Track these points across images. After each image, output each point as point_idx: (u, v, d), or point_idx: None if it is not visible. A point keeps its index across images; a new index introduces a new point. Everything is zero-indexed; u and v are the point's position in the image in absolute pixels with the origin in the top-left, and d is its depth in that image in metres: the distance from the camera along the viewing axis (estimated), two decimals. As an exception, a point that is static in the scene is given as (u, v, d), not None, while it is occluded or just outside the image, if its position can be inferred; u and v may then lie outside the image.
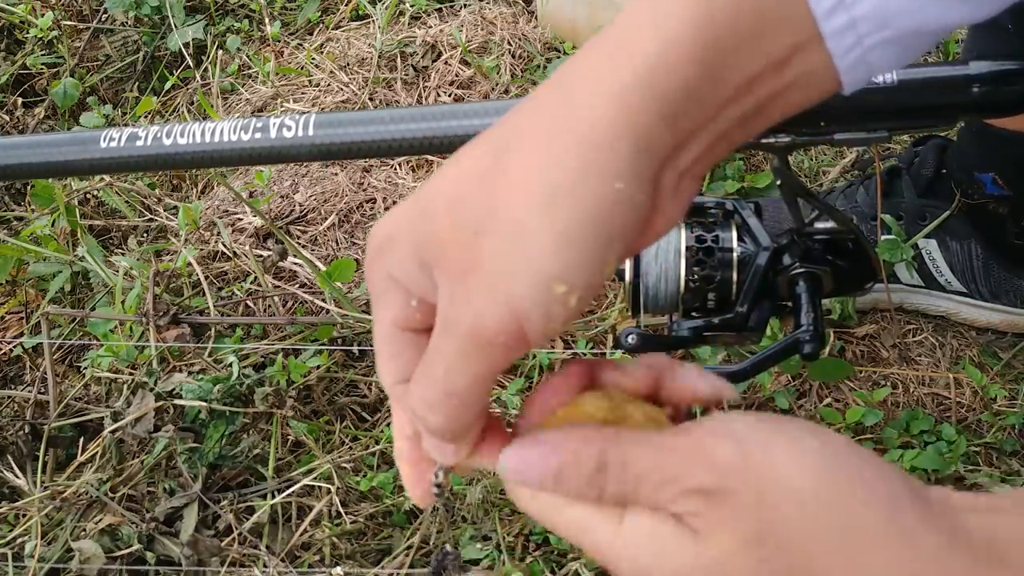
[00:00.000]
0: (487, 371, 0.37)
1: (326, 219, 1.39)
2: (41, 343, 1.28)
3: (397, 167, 1.45)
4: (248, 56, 1.67)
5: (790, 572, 0.36)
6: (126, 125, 1.62)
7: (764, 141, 0.63)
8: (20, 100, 1.70)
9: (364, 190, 1.41)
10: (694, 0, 0.36)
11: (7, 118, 1.68)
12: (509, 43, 1.57)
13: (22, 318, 1.38)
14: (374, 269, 0.41)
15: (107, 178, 1.46)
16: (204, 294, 1.28)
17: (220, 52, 1.67)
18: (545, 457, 0.39)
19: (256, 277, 1.31)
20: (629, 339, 0.65)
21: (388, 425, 1.16)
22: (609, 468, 0.38)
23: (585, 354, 1.18)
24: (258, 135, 0.67)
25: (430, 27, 1.62)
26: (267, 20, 1.68)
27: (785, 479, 0.37)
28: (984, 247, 1.13)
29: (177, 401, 1.14)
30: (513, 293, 0.36)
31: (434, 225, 0.38)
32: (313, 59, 1.62)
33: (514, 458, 0.40)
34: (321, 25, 1.72)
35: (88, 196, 1.51)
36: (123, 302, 1.27)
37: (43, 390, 1.24)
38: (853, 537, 0.36)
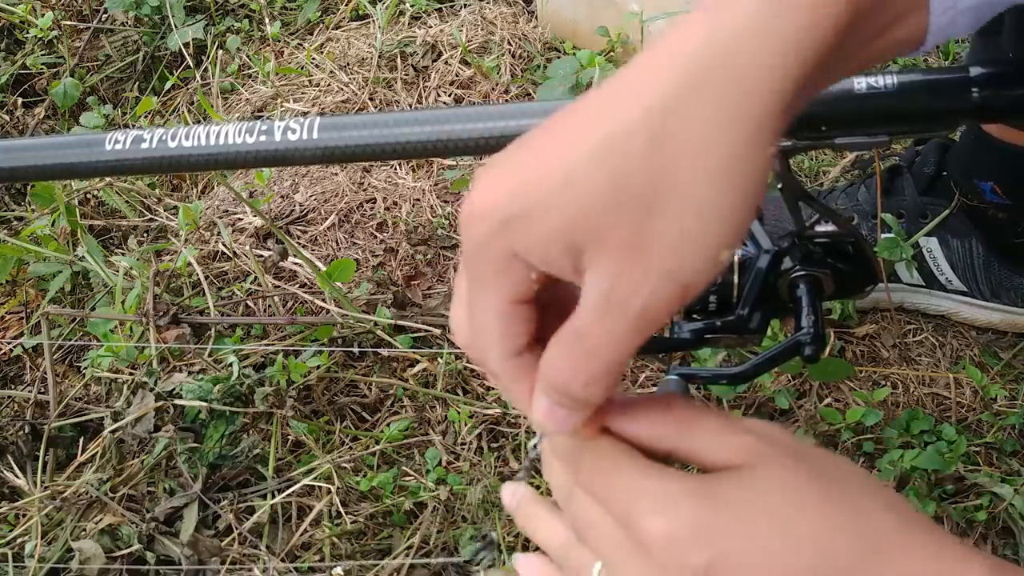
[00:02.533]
0: (642, 342, 0.38)
1: (326, 219, 1.39)
2: (41, 343, 1.28)
3: (397, 167, 1.45)
4: (248, 56, 1.67)
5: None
6: (127, 126, 1.63)
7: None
8: (20, 100, 1.70)
9: (364, 190, 1.42)
10: None
11: (7, 118, 1.68)
12: (509, 43, 1.57)
13: (22, 318, 1.38)
14: (496, 246, 0.39)
15: (107, 178, 1.46)
16: (204, 294, 1.28)
17: (220, 52, 1.67)
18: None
19: (256, 277, 1.31)
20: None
21: (388, 425, 1.16)
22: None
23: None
24: (263, 138, 0.67)
25: (430, 27, 1.62)
26: (267, 20, 1.68)
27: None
28: (985, 245, 1.13)
29: (177, 401, 1.14)
30: (688, 268, 0.36)
31: (592, 198, 0.36)
32: (313, 59, 1.62)
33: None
34: (321, 25, 1.72)
35: (88, 196, 1.51)
36: (123, 302, 1.27)
37: (43, 390, 1.24)
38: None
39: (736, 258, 0.64)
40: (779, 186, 0.64)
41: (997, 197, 1.09)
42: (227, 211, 1.44)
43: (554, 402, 0.41)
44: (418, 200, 1.39)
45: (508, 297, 0.40)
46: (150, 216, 1.48)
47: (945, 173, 1.13)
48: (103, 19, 1.79)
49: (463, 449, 1.14)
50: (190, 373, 1.20)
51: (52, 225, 1.38)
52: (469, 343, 0.43)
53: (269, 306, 1.30)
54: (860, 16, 0.38)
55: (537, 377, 0.41)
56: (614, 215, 0.36)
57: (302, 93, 1.58)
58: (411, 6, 1.65)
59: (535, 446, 0.48)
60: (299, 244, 1.36)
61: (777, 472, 0.41)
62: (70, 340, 1.32)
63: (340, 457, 1.13)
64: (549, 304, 0.42)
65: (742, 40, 0.36)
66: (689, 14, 0.38)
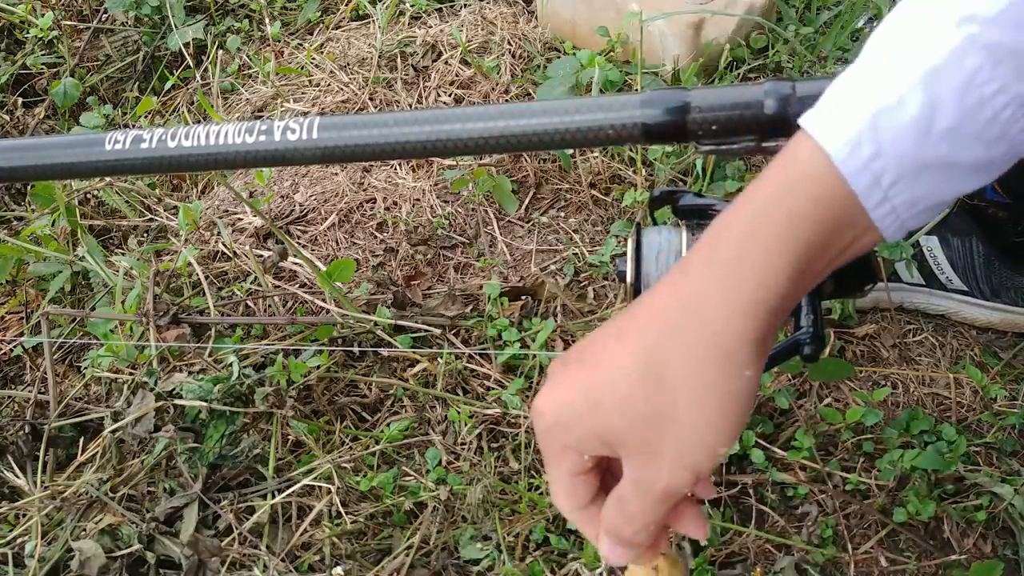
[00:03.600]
0: (670, 508, 0.51)
1: (326, 219, 1.39)
2: (41, 343, 1.28)
3: (397, 167, 1.45)
4: (248, 56, 1.67)
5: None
6: (127, 126, 1.63)
7: (766, 145, 0.63)
8: (20, 100, 1.70)
9: (364, 190, 1.42)
10: (792, 239, 0.47)
11: (7, 118, 1.68)
12: (509, 43, 1.57)
13: (22, 318, 1.38)
14: (551, 439, 0.53)
15: (107, 178, 1.46)
16: (204, 294, 1.28)
17: (220, 52, 1.67)
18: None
19: (256, 277, 1.31)
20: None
21: (388, 425, 1.16)
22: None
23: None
24: (263, 138, 0.67)
25: (430, 27, 1.62)
26: (267, 20, 1.68)
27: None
28: (985, 243, 1.13)
29: (177, 401, 1.14)
30: (694, 465, 0.49)
31: (608, 419, 0.49)
32: (313, 59, 1.62)
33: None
34: (321, 25, 1.72)
35: (88, 196, 1.51)
36: (123, 302, 1.27)
37: (43, 390, 1.24)
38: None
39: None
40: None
41: (998, 196, 1.09)
42: (227, 211, 1.44)
43: (613, 542, 0.54)
44: (418, 200, 1.39)
45: (568, 472, 0.53)
46: (150, 216, 1.48)
47: None
48: (103, 19, 1.79)
49: (463, 449, 1.14)
50: (190, 373, 1.20)
51: (52, 225, 1.38)
52: (551, 494, 0.56)
53: (269, 306, 1.30)
54: (811, 262, 0.48)
55: (601, 521, 0.54)
56: (628, 431, 0.49)
57: (302, 93, 1.58)
58: (411, 6, 1.65)
59: (600, 573, 0.67)
60: (299, 244, 1.36)
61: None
62: (70, 340, 1.32)
63: (340, 457, 1.13)
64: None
65: (710, 292, 0.48)
66: (672, 276, 0.50)
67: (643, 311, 0.51)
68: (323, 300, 1.27)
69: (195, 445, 1.13)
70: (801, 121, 0.48)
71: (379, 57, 1.57)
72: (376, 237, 1.37)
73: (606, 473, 0.55)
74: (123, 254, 1.39)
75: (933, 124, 0.45)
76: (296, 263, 1.33)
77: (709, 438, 0.48)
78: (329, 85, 1.57)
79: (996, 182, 1.08)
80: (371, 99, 1.53)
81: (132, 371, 1.22)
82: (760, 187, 0.49)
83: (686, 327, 0.48)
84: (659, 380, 0.48)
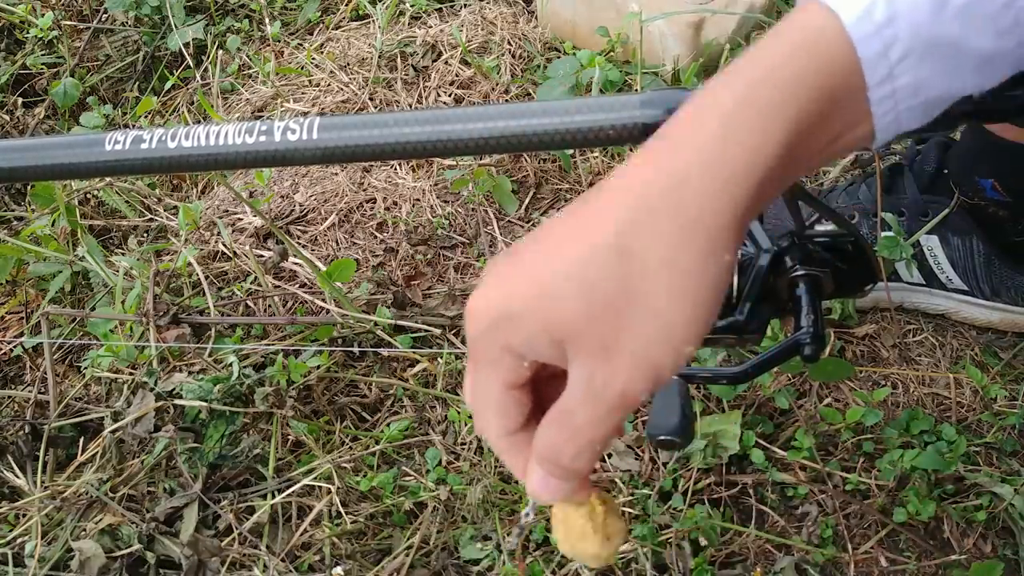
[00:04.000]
0: (623, 421, 0.45)
1: (326, 219, 1.39)
2: (41, 343, 1.28)
3: (397, 167, 1.45)
4: (248, 56, 1.67)
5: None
6: (127, 126, 1.63)
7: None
8: (20, 100, 1.70)
9: (364, 190, 1.42)
10: (791, 104, 0.44)
11: (7, 118, 1.68)
12: (509, 43, 1.57)
13: (22, 318, 1.38)
14: (489, 340, 0.46)
15: (107, 178, 1.46)
16: (204, 294, 1.28)
17: (220, 52, 1.67)
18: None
19: (256, 277, 1.31)
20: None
21: (388, 425, 1.16)
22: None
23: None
24: (263, 138, 0.67)
25: (430, 27, 1.62)
26: (267, 20, 1.68)
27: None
28: (986, 243, 1.13)
29: (177, 401, 1.14)
30: (656, 363, 0.43)
31: (565, 308, 0.43)
32: (313, 59, 1.62)
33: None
34: (321, 25, 1.72)
35: (88, 196, 1.51)
36: (123, 302, 1.27)
37: (43, 390, 1.24)
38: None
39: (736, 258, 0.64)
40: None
41: (998, 194, 1.09)
42: (227, 211, 1.44)
43: (547, 472, 0.47)
44: (418, 200, 1.39)
45: (504, 383, 0.47)
46: (150, 216, 1.48)
47: (946, 171, 1.13)
48: (103, 19, 1.79)
49: (463, 449, 1.14)
50: (190, 373, 1.20)
51: (52, 225, 1.38)
52: (475, 419, 0.50)
53: (269, 306, 1.30)
54: (803, 139, 0.44)
55: (533, 450, 0.47)
56: (585, 322, 0.43)
57: (302, 93, 1.58)
58: (411, 6, 1.65)
59: (527, 513, 0.56)
60: (299, 244, 1.36)
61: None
62: (70, 340, 1.32)
63: (340, 457, 1.13)
64: (546, 382, 0.48)
65: (691, 170, 0.43)
66: (649, 145, 0.45)
67: (613, 191, 0.45)
68: (323, 300, 1.27)
69: (195, 445, 1.13)
70: None
71: (379, 57, 1.57)
72: (376, 237, 1.37)
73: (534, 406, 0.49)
74: (123, 254, 1.39)
75: None
76: (296, 263, 1.33)
77: (679, 331, 0.43)
78: (329, 85, 1.57)
79: (996, 181, 1.08)
80: (371, 99, 1.53)
81: (132, 371, 1.22)
82: (757, 55, 0.45)
83: (664, 207, 0.43)
84: (630, 265, 0.43)
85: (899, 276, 1.18)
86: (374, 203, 1.40)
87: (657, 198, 0.43)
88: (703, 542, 1.03)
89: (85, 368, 1.27)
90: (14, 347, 1.35)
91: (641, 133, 0.62)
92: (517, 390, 0.47)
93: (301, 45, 1.68)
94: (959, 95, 0.48)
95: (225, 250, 1.36)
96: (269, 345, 1.22)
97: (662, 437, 0.60)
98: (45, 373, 1.25)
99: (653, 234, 0.43)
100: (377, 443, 1.14)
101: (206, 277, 1.30)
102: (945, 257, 1.15)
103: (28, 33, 1.77)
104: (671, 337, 0.43)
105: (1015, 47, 0.46)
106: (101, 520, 1.09)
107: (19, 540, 1.10)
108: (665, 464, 1.08)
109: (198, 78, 1.68)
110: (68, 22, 1.80)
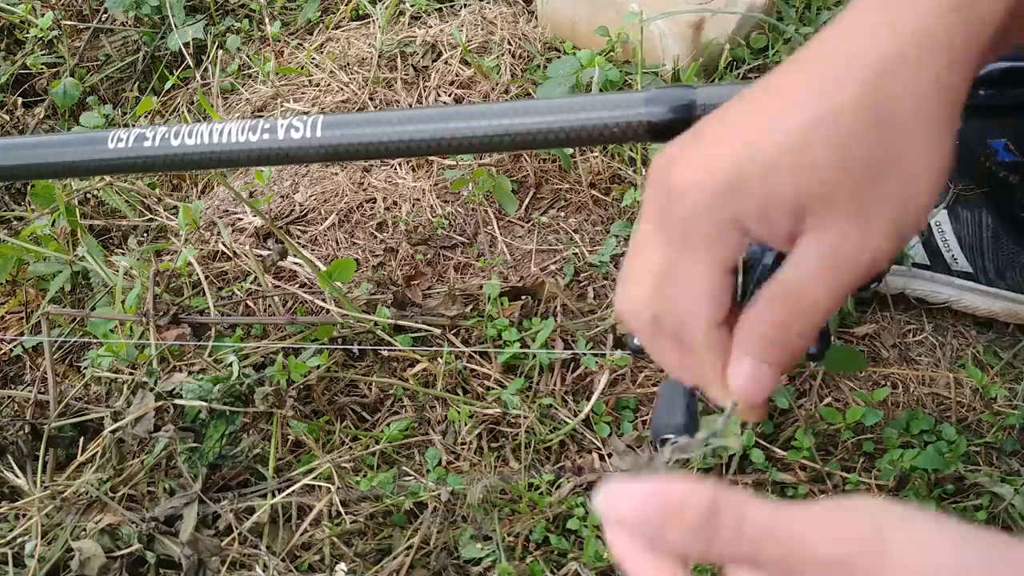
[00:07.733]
0: (845, 298, 0.42)
1: (326, 219, 1.39)
2: (41, 343, 1.28)
3: (397, 167, 1.45)
4: (248, 56, 1.67)
5: None
6: (127, 126, 1.62)
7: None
8: (20, 100, 1.70)
9: (364, 190, 1.41)
10: None
11: (7, 118, 1.68)
12: (509, 43, 1.57)
13: (22, 318, 1.38)
14: (711, 215, 0.41)
15: (107, 177, 1.46)
16: (204, 294, 1.28)
17: (220, 52, 1.67)
18: (650, 495, 0.36)
19: (256, 277, 1.31)
20: (635, 340, 0.65)
21: (388, 425, 1.16)
22: (723, 516, 0.35)
23: (584, 354, 1.18)
24: (266, 136, 0.67)
25: (430, 27, 1.62)
26: (267, 20, 1.68)
27: (928, 554, 0.33)
28: (995, 216, 1.12)
29: (177, 401, 1.14)
30: (909, 228, 0.40)
31: (821, 167, 0.39)
32: (313, 59, 1.62)
33: (616, 494, 0.37)
34: (321, 25, 1.72)
35: (88, 196, 1.50)
36: (123, 302, 1.26)
37: (43, 390, 1.24)
38: None
39: (741, 256, 0.64)
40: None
41: (1010, 155, 1.07)
42: (227, 211, 1.44)
43: (761, 359, 0.43)
44: (418, 200, 1.39)
45: (722, 265, 0.42)
46: (150, 216, 1.48)
47: (959, 141, 1.12)
48: (103, 19, 1.79)
49: (463, 449, 1.14)
50: (190, 373, 1.19)
51: (52, 225, 1.37)
52: (658, 318, 0.44)
53: (269, 306, 1.30)
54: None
55: (740, 340, 0.43)
56: (842, 181, 0.39)
57: (302, 93, 1.58)
58: (411, 6, 1.65)
59: (733, 403, 0.45)
60: (299, 244, 1.36)
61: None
62: (70, 340, 1.32)
63: (340, 457, 1.13)
64: None
65: (936, 25, 0.39)
66: (866, 13, 0.41)
67: (848, 40, 0.41)
68: (323, 300, 1.26)
69: (195, 445, 1.13)
70: None
71: (379, 57, 1.57)
72: (376, 237, 1.37)
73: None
74: (123, 254, 1.39)
75: None
76: (296, 263, 1.32)
77: (927, 196, 0.40)
78: (329, 85, 1.57)
79: (1010, 140, 1.06)
80: (371, 99, 1.53)
81: (132, 371, 1.22)
82: None
83: (912, 58, 0.39)
84: (889, 120, 0.39)
85: (903, 255, 1.16)
86: (374, 203, 1.40)
87: (903, 45, 0.39)
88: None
89: (85, 368, 1.26)
90: (14, 347, 1.35)
91: (646, 131, 0.62)
92: (731, 275, 0.43)
93: (301, 45, 1.68)
94: None
95: (225, 250, 1.36)
96: (269, 345, 1.22)
97: (666, 437, 0.60)
98: (45, 373, 1.25)
99: (907, 85, 0.39)
100: (377, 443, 1.14)
101: (206, 277, 1.30)
102: (952, 233, 1.13)
103: (28, 33, 1.77)
104: (924, 194, 0.40)
105: None
106: (101, 520, 1.09)
107: (19, 540, 1.10)
108: (666, 464, 1.08)
109: (198, 78, 1.68)
110: (68, 22, 1.80)
